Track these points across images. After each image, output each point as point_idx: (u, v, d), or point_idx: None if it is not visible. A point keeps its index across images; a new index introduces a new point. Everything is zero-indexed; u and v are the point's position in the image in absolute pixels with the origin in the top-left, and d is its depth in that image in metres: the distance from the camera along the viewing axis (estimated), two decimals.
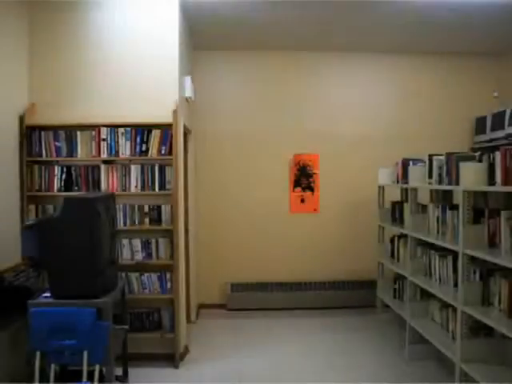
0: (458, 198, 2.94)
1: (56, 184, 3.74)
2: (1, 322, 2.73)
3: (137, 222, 3.77)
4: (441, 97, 5.44)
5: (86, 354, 2.55)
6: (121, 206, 3.72)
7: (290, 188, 5.37)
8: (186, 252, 4.42)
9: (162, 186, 3.75)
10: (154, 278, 3.76)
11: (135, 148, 3.73)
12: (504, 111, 4.68)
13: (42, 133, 3.73)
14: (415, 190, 3.81)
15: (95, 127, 3.71)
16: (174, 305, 3.72)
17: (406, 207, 3.97)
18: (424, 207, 3.79)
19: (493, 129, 4.92)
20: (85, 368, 2.55)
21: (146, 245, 3.78)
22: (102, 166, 3.74)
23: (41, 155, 3.73)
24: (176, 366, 3.67)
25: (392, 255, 4.43)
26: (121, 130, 3.71)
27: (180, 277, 3.75)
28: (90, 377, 2.57)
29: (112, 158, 3.74)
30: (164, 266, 3.76)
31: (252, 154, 5.33)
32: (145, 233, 3.80)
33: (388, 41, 4.99)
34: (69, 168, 3.75)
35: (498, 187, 2.63)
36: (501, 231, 2.70)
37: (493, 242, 2.78)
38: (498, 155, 2.62)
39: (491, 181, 2.72)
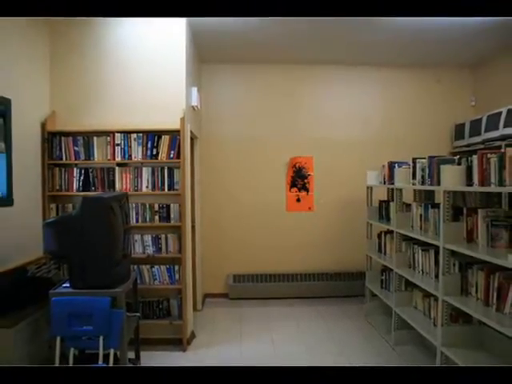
0: (439, 198, 2.94)
1: (75, 185, 3.74)
2: (24, 310, 2.73)
3: (148, 220, 3.77)
4: (423, 106, 5.44)
5: (101, 339, 2.56)
6: (133, 204, 3.73)
7: (286, 188, 5.37)
8: (193, 246, 4.42)
9: (171, 187, 3.75)
10: (163, 270, 3.76)
11: (146, 152, 3.73)
12: (480, 118, 4.68)
13: (62, 138, 3.73)
14: (400, 190, 3.80)
15: (110, 133, 3.71)
16: (182, 294, 3.73)
17: (392, 206, 3.97)
18: (408, 206, 3.78)
19: (470, 135, 4.91)
20: (101, 352, 2.56)
21: (156, 240, 3.78)
22: (117, 169, 3.75)
23: (61, 158, 3.73)
24: (183, 350, 3.68)
25: (379, 249, 4.42)
26: (133, 135, 3.72)
27: (187, 269, 3.76)
28: (106, 359, 2.58)
29: (125, 161, 3.74)
30: (172, 259, 3.76)
31: (252, 157, 5.32)
32: (155, 229, 3.80)
33: (375, 55, 4.98)
34: (86, 170, 3.75)
35: (475, 188, 2.63)
36: (478, 227, 2.71)
37: (470, 238, 2.78)
38: (475, 159, 2.62)
39: (469, 182, 2.72)
